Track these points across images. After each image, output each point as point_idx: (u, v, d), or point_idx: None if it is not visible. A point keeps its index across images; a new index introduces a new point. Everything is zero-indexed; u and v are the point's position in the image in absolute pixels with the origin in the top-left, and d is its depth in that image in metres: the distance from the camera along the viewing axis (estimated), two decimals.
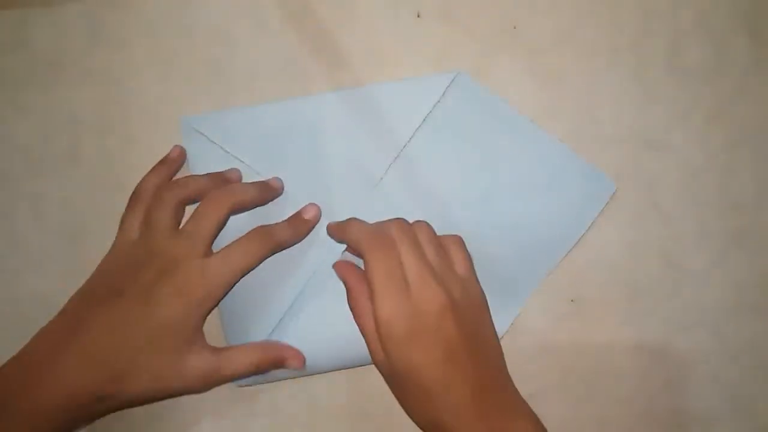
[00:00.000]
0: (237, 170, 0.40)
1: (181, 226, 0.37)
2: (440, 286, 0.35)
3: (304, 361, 0.38)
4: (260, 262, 0.37)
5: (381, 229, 0.36)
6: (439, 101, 0.40)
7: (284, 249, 0.39)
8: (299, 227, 0.39)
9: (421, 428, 0.35)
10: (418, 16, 0.42)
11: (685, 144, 0.42)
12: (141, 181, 0.39)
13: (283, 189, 0.40)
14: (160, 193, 0.38)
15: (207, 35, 0.41)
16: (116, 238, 0.38)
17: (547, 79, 0.42)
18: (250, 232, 0.37)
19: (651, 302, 0.42)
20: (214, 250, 0.37)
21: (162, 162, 0.40)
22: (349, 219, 0.38)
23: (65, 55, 0.41)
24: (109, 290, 0.35)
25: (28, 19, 0.41)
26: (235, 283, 0.36)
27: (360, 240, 0.36)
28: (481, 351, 0.35)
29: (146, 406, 0.41)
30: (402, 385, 0.35)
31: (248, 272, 0.37)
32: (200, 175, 0.39)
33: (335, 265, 0.39)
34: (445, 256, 0.37)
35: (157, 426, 0.42)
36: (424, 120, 0.40)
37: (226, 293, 0.36)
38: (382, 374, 0.36)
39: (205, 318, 0.36)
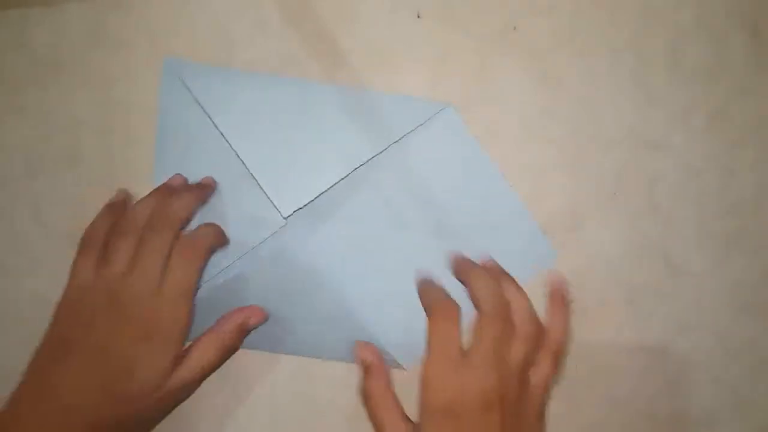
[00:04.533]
0: (179, 176, 0.40)
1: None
2: (498, 374, 0.33)
3: (265, 314, 0.38)
4: (202, 271, 0.36)
5: (479, 292, 0.36)
6: (420, 125, 0.41)
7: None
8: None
9: None
10: (418, 17, 0.42)
11: (685, 144, 0.42)
12: (90, 227, 0.37)
13: (215, 186, 0.40)
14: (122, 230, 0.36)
15: (207, 35, 0.41)
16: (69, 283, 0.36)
17: (546, 79, 0.42)
18: (177, 252, 0.36)
19: (651, 302, 0.42)
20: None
21: (109, 206, 0.39)
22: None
23: (65, 55, 0.41)
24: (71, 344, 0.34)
25: (28, 19, 0.41)
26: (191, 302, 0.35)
27: (436, 300, 0.36)
28: None
29: None
30: None
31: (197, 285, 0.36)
32: (143, 201, 0.37)
33: (355, 346, 0.38)
34: (529, 353, 0.35)
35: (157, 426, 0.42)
36: (400, 138, 0.40)
37: (191, 314, 0.35)
38: None
39: (179, 346, 0.35)
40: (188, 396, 0.37)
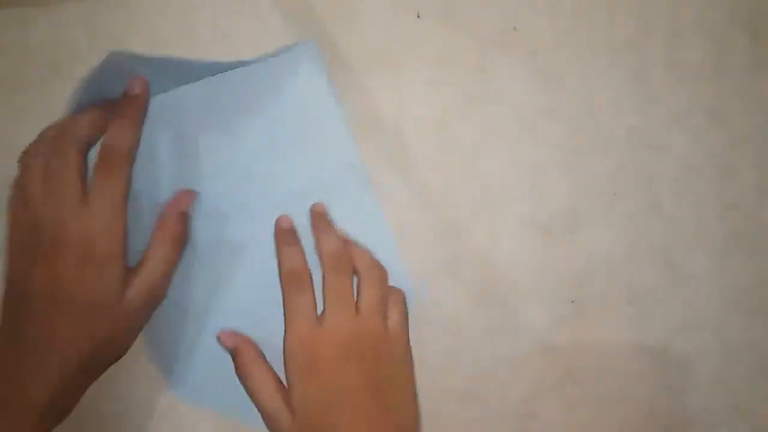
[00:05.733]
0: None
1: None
2: (349, 323, 0.35)
3: (191, 193, 0.39)
4: (129, 179, 0.35)
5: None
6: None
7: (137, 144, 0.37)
8: (131, 111, 0.37)
9: None
10: (418, 17, 0.42)
11: (685, 144, 0.42)
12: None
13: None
14: (57, 144, 0.35)
15: (207, 35, 0.41)
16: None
17: (547, 79, 0.42)
18: (96, 170, 0.35)
19: (651, 303, 0.42)
20: None
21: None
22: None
23: (65, 55, 0.41)
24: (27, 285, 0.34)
25: (28, 19, 0.41)
26: (123, 215, 0.35)
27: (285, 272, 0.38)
28: (387, 406, 0.35)
29: (146, 407, 0.41)
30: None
31: (126, 197, 0.35)
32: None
33: (219, 336, 0.39)
34: (381, 299, 0.37)
35: (157, 425, 0.42)
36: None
37: (124, 227, 0.35)
38: None
39: (121, 258, 0.35)
40: (162, 296, 0.37)
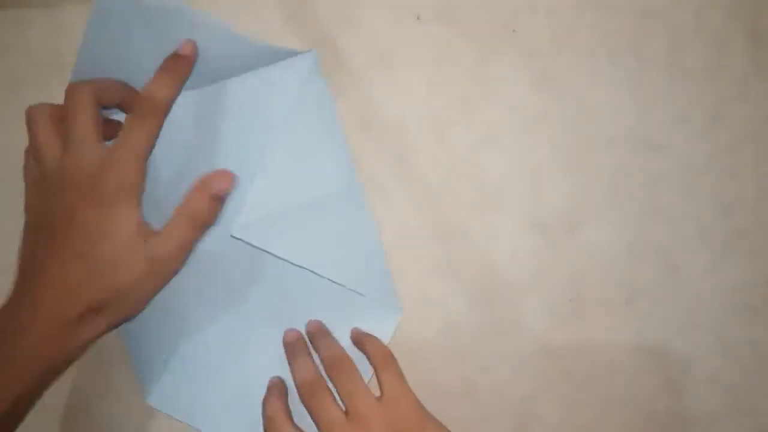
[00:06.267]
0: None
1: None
2: (379, 402, 0.37)
3: (232, 176, 0.36)
4: (158, 133, 0.35)
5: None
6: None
7: (172, 104, 0.36)
8: (177, 67, 0.36)
9: None
10: (418, 18, 0.42)
11: (685, 144, 0.42)
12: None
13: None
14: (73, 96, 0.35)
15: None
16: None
17: (546, 80, 0.42)
18: (130, 114, 0.35)
19: (650, 302, 0.42)
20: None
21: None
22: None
23: (65, 55, 0.41)
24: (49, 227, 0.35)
25: (28, 19, 0.41)
26: (144, 165, 0.35)
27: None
28: None
29: (147, 407, 0.41)
30: None
31: (151, 150, 0.35)
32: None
33: (264, 400, 0.39)
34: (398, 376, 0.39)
35: (154, 425, 0.42)
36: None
37: (143, 177, 0.35)
38: None
39: (137, 205, 0.34)
40: (173, 273, 0.36)
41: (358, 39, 0.41)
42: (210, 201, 0.35)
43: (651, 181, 0.42)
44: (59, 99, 0.41)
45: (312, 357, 0.40)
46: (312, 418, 0.37)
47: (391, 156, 0.42)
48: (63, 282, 0.34)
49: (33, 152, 0.35)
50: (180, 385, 0.41)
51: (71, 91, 0.35)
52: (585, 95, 0.42)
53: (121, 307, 0.35)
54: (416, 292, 0.42)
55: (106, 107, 0.36)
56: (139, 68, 0.36)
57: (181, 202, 0.35)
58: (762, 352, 0.42)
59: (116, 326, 0.35)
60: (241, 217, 0.36)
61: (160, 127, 0.35)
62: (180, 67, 0.36)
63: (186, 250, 0.35)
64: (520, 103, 0.42)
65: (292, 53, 0.38)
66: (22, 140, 0.41)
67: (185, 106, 0.38)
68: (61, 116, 0.35)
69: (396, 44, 0.41)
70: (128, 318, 0.35)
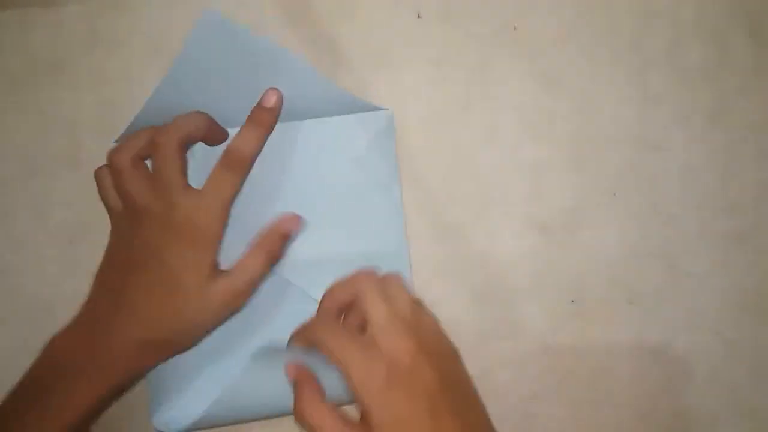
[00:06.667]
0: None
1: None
2: (409, 335, 0.34)
3: (299, 219, 0.38)
4: (242, 184, 0.37)
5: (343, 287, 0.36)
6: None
7: (259, 153, 0.38)
8: (263, 120, 0.38)
9: None
10: (419, 17, 0.42)
11: (685, 144, 0.42)
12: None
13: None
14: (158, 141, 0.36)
15: None
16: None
17: (546, 79, 0.42)
18: (217, 164, 0.37)
19: (651, 303, 0.42)
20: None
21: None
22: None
23: (65, 55, 0.41)
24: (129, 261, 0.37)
25: (28, 20, 0.41)
26: (228, 214, 0.37)
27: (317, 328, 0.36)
28: (466, 404, 0.34)
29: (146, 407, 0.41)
30: None
31: (234, 198, 0.37)
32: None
33: (286, 366, 0.37)
34: (416, 308, 0.36)
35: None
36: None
37: (225, 224, 0.37)
38: None
39: (217, 250, 0.37)
40: (240, 305, 0.37)
41: (357, 37, 0.41)
42: (281, 239, 0.38)
43: (651, 181, 0.42)
44: (59, 99, 0.41)
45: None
46: (329, 356, 0.34)
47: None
48: (141, 311, 0.36)
49: (122, 195, 0.37)
50: (187, 406, 0.40)
51: (159, 141, 0.36)
52: (585, 95, 0.42)
53: (185, 341, 0.37)
54: (417, 292, 0.42)
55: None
56: (222, 95, 0.38)
57: (255, 240, 0.37)
58: (762, 351, 0.42)
59: (174, 356, 0.37)
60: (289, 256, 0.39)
61: (244, 178, 0.37)
62: (266, 120, 0.38)
63: (254, 287, 0.37)
64: (520, 103, 0.42)
65: (370, 107, 0.40)
66: (23, 140, 0.41)
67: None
68: (143, 156, 0.37)
69: (396, 43, 0.41)
70: (186, 349, 0.38)
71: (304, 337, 0.36)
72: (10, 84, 0.41)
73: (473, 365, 0.42)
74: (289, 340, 0.37)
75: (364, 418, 0.33)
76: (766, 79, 0.42)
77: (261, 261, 0.37)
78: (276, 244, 0.38)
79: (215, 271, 0.36)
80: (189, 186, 0.36)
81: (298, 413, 0.34)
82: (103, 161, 0.41)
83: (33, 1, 0.41)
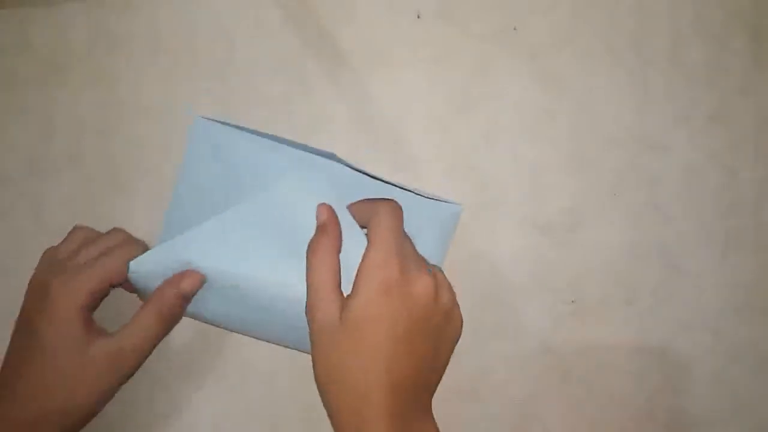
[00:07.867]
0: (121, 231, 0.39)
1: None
2: (437, 282, 0.35)
3: (201, 278, 0.36)
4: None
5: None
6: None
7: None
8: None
9: (320, 385, 0.34)
10: (418, 17, 0.42)
11: (685, 144, 0.42)
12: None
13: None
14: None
15: (208, 35, 0.41)
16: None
17: (546, 79, 0.42)
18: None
19: (651, 302, 0.42)
20: None
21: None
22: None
23: (66, 55, 0.41)
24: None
25: (29, 19, 0.41)
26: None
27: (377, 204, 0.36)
28: (437, 355, 0.35)
29: (147, 408, 0.41)
30: (345, 337, 0.33)
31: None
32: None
33: (318, 206, 0.36)
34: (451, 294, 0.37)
35: (157, 426, 0.42)
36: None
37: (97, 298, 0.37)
38: (317, 329, 0.34)
39: (89, 314, 0.36)
40: (131, 368, 0.36)
41: (358, 37, 0.41)
42: (176, 298, 0.36)
43: (651, 180, 0.42)
44: (60, 99, 0.41)
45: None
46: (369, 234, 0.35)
47: (391, 156, 0.42)
48: (19, 393, 0.35)
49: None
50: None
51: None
52: (585, 95, 0.42)
53: (84, 409, 0.36)
54: None
55: None
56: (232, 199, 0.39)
57: (150, 295, 0.37)
58: (762, 351, 0.42)
59: (82, 425, 0.36)
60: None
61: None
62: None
63: (147, 346, 0.36)
64: (520, 103, 0.42)
65: (444, 199, 0.40)
66: (22, 140, 0.41)
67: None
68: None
69: (396, 42, 0.42)
70: (94, 415, 0.36)
71: (364, 204, 0.37)
72: (11, 84, 0.41)
73: (473, 365, 0.42)
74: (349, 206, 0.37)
75: (350, 296, 0.34)
76: (766, 79, 0.42)
77: (151, 321, 0.36)
78: (169, 300, 0.36)
79: (93, 334, 0.35)
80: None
81: (311, 247, 0.35)
82: (102, 161, 0.42)
83: (33, 1, 0.41)
